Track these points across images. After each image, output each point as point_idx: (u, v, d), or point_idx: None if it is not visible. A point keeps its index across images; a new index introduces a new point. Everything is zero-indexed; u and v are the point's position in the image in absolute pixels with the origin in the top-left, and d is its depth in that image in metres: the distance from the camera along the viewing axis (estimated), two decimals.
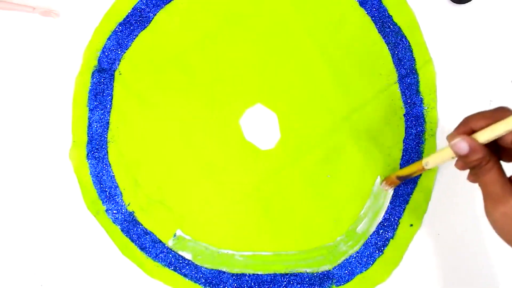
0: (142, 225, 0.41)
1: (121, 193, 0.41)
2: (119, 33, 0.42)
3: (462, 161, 0.28)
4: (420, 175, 0.40)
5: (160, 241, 0.41)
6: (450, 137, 0.27)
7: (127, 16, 0.42)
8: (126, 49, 0.42)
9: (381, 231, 0.40)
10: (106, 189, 0.41)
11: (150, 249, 0.41)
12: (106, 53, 0.42)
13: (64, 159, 0.41)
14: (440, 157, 0.31)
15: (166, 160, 0.41)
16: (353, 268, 0.40)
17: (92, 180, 0.41)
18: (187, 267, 0.41)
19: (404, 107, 0.41)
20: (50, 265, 0.41)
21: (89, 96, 0.41)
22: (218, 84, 0.42)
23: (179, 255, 0.41)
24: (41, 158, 0.41)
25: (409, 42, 0.41)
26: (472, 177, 0.29)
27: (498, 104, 0.40)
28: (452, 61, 0.41)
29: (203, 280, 0.40)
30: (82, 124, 0.41)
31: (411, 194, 0.41)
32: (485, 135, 0.26)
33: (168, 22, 0.42)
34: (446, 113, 0.41)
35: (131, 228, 0.41)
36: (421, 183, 0.40)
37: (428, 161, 0.32)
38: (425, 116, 0.41)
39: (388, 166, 0.41)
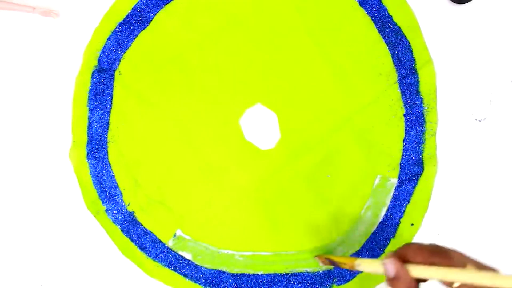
0: (142, 225, 0.41)
1: (121, 193, 0.41)
2: (119, 33, 0.42)
3: (389, 283, 0.27)
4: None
5: (160, 241, 0.41)
6: (386, 256, 0.27)
7: (127, 16, 0.42)
8: (126, 49, 0.42)
9: (381, 230, 0.40)
10: (106, 189, 0.41)
11: (150, 249, 0.41)
12: (106, 53, 0.42)
13: (64, 159, 0.41)
14: (372, 266, 0.30)
15: (166, 160, 0.41)
16: None
17: (92, 180, 0.41)
18: (187, 267, 0.41)
19: (404, 107, 0.41)
20: (50, 265, 0.41)
21: (89, 96, 0.41)
22: (218, 84, 0.42)
23: (179, 255, 0.41)
24: (41, 158, 0.41)
25: (409, 42, 0.41)
26: None
27: (498, 104, 0.41)
28: (452, 61, 0.41)
29: (203, 280, 0.40)
30: (82, 124, 0.41)
31: (412, 193, 0.41)
32: (418, 272, 0.26)
33: (168, 22, 0.42)
34: (446, 113, 0.41)
35: (131, 228, 0.41)
36: (421, 182, 0.40)
37: (360, 264, 0.31)
38: (425, 116, 0.41)
39: (388, 166, 0.41)
